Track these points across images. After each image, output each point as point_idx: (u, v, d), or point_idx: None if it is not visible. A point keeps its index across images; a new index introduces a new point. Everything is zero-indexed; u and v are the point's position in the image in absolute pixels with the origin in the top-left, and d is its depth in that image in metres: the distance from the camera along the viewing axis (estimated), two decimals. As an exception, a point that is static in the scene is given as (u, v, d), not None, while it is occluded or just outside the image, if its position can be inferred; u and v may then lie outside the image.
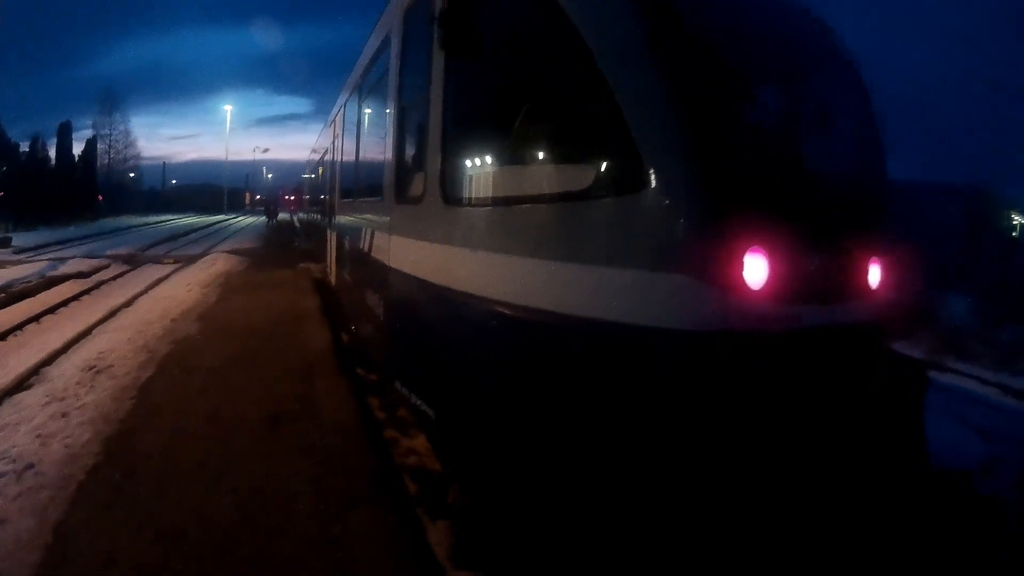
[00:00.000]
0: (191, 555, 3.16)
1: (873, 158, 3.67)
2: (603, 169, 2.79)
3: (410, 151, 4.54)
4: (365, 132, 6.93)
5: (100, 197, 62.48)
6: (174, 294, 11.68)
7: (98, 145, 68.87)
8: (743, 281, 2.53)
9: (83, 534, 3.32)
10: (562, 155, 3.06)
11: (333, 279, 9.95)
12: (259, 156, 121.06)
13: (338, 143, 9.70)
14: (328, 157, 12.07)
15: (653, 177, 2.55)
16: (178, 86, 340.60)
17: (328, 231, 10.62)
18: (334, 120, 10.52)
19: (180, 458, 4.24)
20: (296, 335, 8.15)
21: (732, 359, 2.56)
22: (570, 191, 2.86)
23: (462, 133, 3.65)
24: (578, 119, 2.97)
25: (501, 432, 3.15)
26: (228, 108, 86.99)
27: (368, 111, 6.73)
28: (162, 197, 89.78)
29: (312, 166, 20.21)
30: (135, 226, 43.76)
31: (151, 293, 12.20)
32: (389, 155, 4.89)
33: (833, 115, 3.49)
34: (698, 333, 2.52)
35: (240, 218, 65.78)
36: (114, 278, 15.52)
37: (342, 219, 8.58)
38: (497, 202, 3.32)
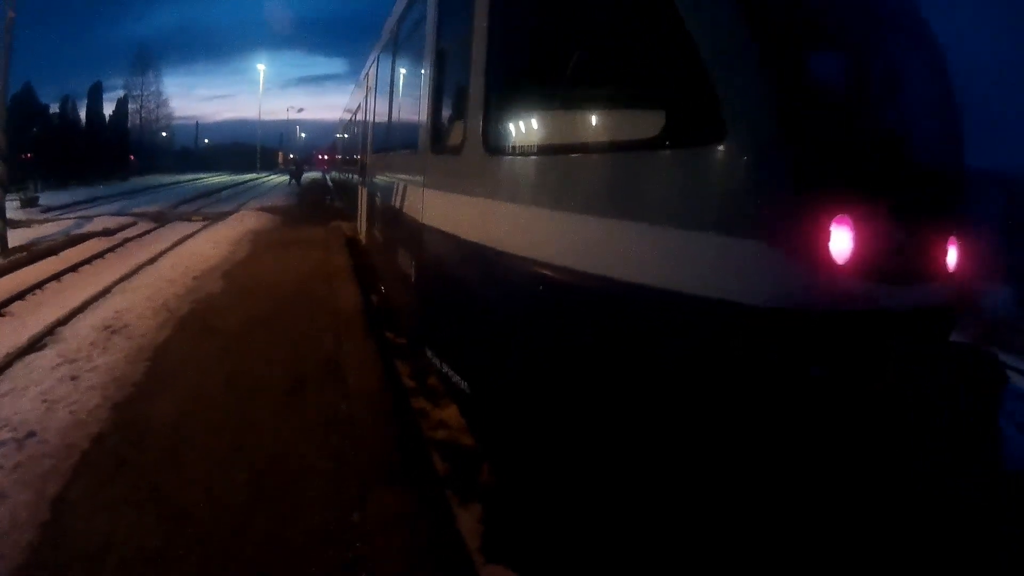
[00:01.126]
0: (195, 540, 2.87)
1: (953, 135, 3.32)
2: (674, 115, 2.39)
3: (449, 96, 4.15)
4: (399, 81, 6.58)
5: (132, 157, 63.00)
6: (199, 251, 11.47)
7: (129, 105, 69.72)
8: (827, 253, 2.23)
9: (82, 511, 3.07)
10: (626, 98, 2.65)
11: (364, 238, 9.81)
12: (294, 116, 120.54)
13: (371, 98, 9.49)
14: (360, 114, 11.96)
15: (734, 126, 2.21)
16: (213, 46, 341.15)
17: (359, 188, 10.48)
18: (367, 74, 10.37)
19: (191, 428, 3.95)
20: (323, 295, 7.88)
21: (810, 341, 2.27)
22: (633, 140, 2.50)
23: (508, 74, 3.25)
24: (647, 56, 2.55)
25: (544, 410, 2.85)
26: (261, 67, 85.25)
27: (403, 59, 6.35)
28: (195, 156, 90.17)
29: (345, 125, 20.25)
30: (165, 184, 43.81)
31: (176, 250, 12.01)
32: (425, 102, 4.50)
33: (919, 85, 3.18)
34: (773, 310, 2.19)
35: (272, 177, 66.02)
36: (139, 236, 15.45)
37: (373, 175, 8.33)
38: (547, 151, 2.91)
